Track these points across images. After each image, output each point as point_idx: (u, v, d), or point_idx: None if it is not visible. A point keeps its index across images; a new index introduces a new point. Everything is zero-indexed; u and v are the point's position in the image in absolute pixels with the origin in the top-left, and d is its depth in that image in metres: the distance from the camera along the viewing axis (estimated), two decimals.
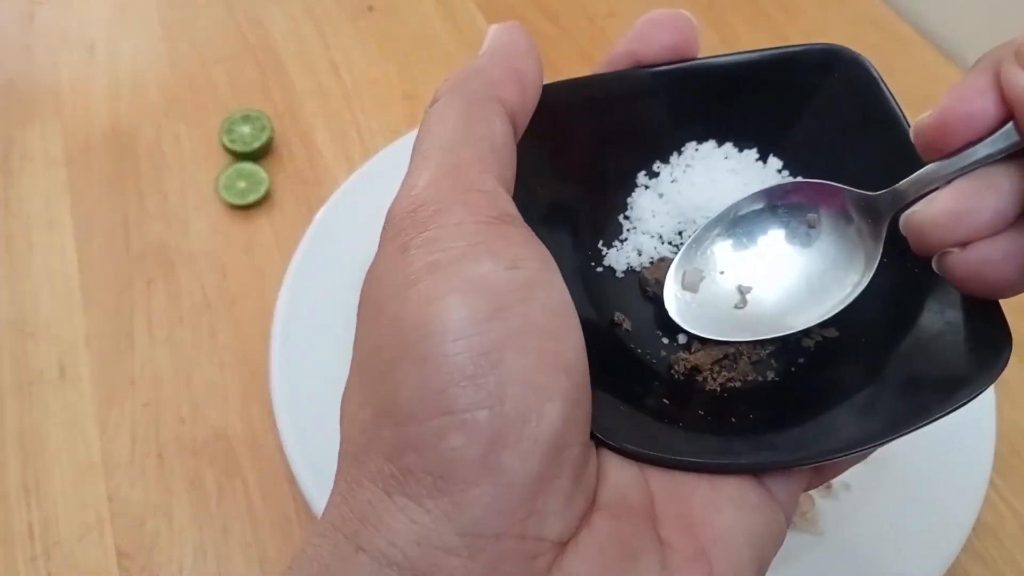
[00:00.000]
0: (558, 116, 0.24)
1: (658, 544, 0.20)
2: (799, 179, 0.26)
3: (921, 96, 0.58)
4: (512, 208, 0.21)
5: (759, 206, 0.25)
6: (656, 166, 0.27)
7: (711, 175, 0.27)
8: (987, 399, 0.42)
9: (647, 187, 0.27)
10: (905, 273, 0.23)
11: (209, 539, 0.43)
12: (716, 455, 0.22)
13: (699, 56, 0.26)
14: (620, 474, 0.21)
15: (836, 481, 0.41)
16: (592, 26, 0.66)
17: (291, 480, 0.43)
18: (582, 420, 0.19)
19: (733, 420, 0.24)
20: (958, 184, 0.20)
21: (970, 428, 0.41)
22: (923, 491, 0.40)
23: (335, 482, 0.20)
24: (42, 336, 0.50)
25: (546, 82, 0.24)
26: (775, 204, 0.25)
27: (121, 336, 0.50)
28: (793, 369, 0.25)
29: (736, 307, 0.25)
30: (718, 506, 0.20)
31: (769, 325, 0.24)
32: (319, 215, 0.50)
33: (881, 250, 0.23)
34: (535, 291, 0.19)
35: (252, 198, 0.54)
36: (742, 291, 0.25)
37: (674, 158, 0.27)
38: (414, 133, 0.61)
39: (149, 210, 0.55)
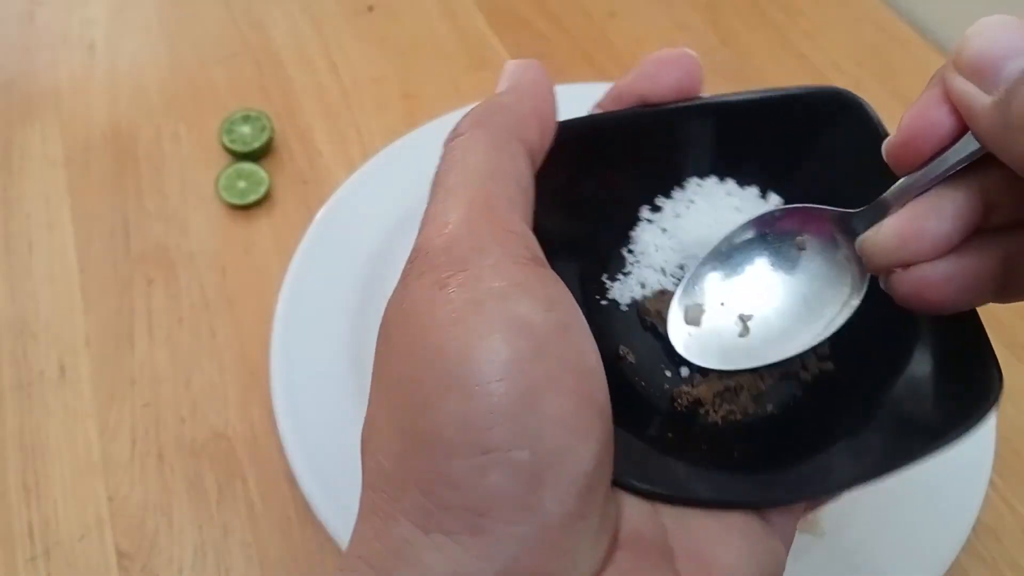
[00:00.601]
0: (563, 151, 0.25)
1: None
2: (783, 205, 0.27)
3: None
4: (539, 250, 0.21)
5: (750, 235, 0.26)
6: (659, 200, 0.28)
7: (713, 211, 0.27)
8: None
9: (650, 221, 0.28)
10: (897, 309, 0.24)
11: (209, 539, 0.43)
12: (721, 491, 0.23)
13: (702, 93, 0.26)
14: (634, 511, 0.21)
15: None
16: (592, 26, 0.66)
17: (291, 480, 0.43)
18: (610, 461, 0.20)
19: (735, 455, 0.25)
20: (906, 209, 0.21)
21: None
22: (923, 491, 0.40)
23: (361, 513, 0.20)
24: (42, 336, 0.50)
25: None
26: (764, 232, 0.26)
27: (121, 336, 0.50)
28: (791, 403, 0.26)
29: (740, 336, 0.25)
30: (727, 540, 0.21)
31: (773, 350, 0.25)
32: (319, 215, 0.50)
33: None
34: (569, 333, 0.19)
35: (252, 198, 0.54)
36: (743, 320, 0.26)
37: (677, 193, 0.28)
38: (414, 133, 0.61)
39: (149, 210, 0.55)
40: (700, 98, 0.26)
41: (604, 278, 0.28)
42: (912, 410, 0.24)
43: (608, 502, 0.20)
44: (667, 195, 0.28)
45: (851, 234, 0.24)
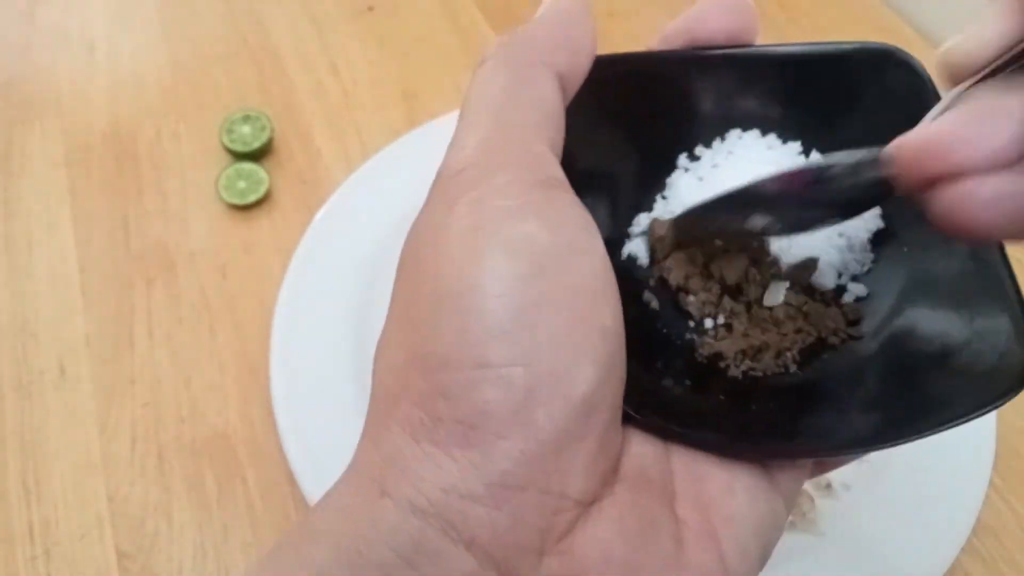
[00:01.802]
0: (606, 88, 0.24)
1: (674, 519, 0.20)
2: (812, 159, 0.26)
3: None
4: (559, 172, 0.21)
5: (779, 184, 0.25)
6: (698, 150, 0.27)
7: (753, 164, 0.26)
8: None
9: (687, 169, 0.27)
10: (934, 277, 0.23)
11: (209, 539, 0.43)
12: (731, 438, 0.22)
13: (755, 44, 0.26)
14: (644, 449, 0.21)
15: (836, 481, 0.41)
16: None
17: (291, 480, 0.43)
18: (614, 385, 0.20)
19: (753, 408, 0.24)
20: (957, 111, 0.18)
21: (970, 428, 0.41)
22: (923, 491, 0.40)
23: (364, 428, 0.20)
24: (42, 336, 0.50)
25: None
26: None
27: (121, 336, 0.50)
28: (815, 365, 0.25)
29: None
30: (732, 491, 0.21)
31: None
32: (319, 215, 0.50)
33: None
34: (576, 255, 0.19)
35: (252, 198, 0.54)
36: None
37: (717, 143, 0.27)
38: (414, 133, 0.61)
39: (149, 210, 0.55)
40: (748, 47, 0.25)
41: (634, 222, 0.27)
42: (933, 383, 0.23)
43: (611, 429, 0.20)
44: (707, 144, 0.27)
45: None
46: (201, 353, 0.49)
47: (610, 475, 0.20)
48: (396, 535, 0.17)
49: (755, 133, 0.27)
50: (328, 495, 0.19)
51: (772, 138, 0.27)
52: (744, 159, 0.26)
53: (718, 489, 0.21)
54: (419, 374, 0.18)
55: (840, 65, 0.26)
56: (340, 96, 0.61)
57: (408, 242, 0.20)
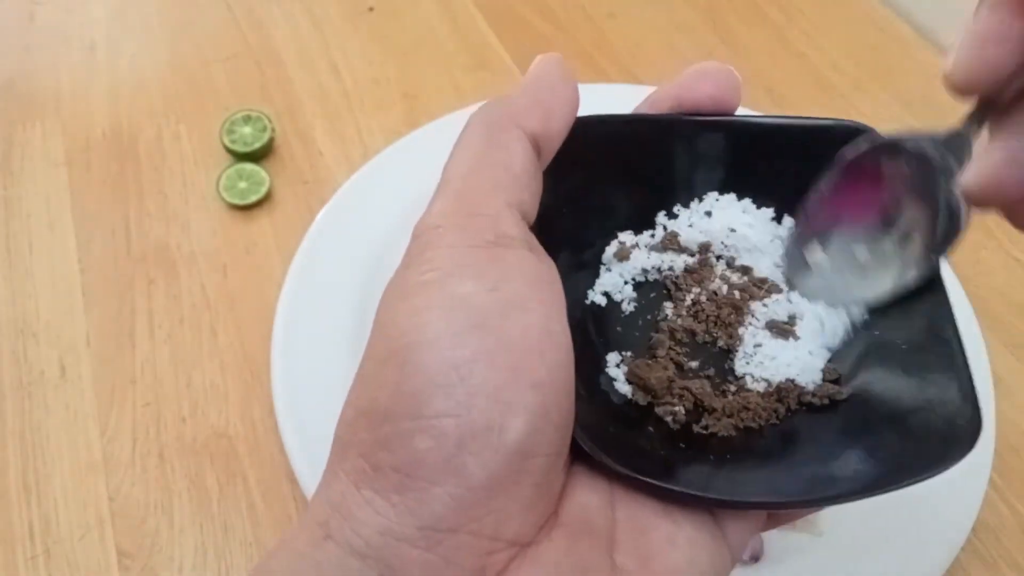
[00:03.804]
0: (590, 147, 0.26)
1: (612, 568, 0.21)
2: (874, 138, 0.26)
3: (921, 96, 0.58)
4: (514, 229, 0.22)
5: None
6: (676, 208, 0.29)
7: (728, 225, 0.28)
8: (987, 399, 0.42)
9: (665, 227, 0.29)
10: (891, 344, 0.24)
11: (210, 539, 0.43)
12: (688, 487, 0.23)
13: (737, 110, 0.27)
14: (588, 497, 0.22)
15: None
16: (592, 27, 0.66)
17: (292, 480, 0.43)
18: (550, 433, 0.20)
19: (711, 458, 0.25)
20: (1007, 135, 0.20)
21: None
22: (923, 491, 0.40)
23: (321, 477, 0.21)
24: (43, 336, 0.50)
25: (582, 114, 0.25)
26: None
27: (122, 336, 0.50)
28: (774, 420, 0.26)
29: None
30: (675, 542, 0.22)
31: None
32: (320, 215, 0.50)
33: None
34: (513, 311, 0.20)
35: (253, 198, 0.54)
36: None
37: (694, 204, 0.28)
38: (414, 133, 0.61)
39: (150, 210, 0.55)
40: (727, 115, 0.27)
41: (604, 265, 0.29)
42: (885, 445, 0.24)
43: (550, 475, 0.21)
44: (685, 204, 0.29)
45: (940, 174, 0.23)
46: (202, 353, 0.49)
47: (549, 519, 0.21)
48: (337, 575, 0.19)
49: (731, 197, 0.28)
50: (283, 537, 0.20)
51: (747, 202, 0.28)
52: (720, 219, 0.28)
53: (660, 540, 0.22)
54: (365, 426, 0.20)
55: (814, 139, 0.27)
56: (340, 96, 0.61)
57: (380, 300, 0.22)
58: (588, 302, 0.28)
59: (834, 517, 0.40)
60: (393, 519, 0.19)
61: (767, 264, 0.28)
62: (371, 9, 0.67)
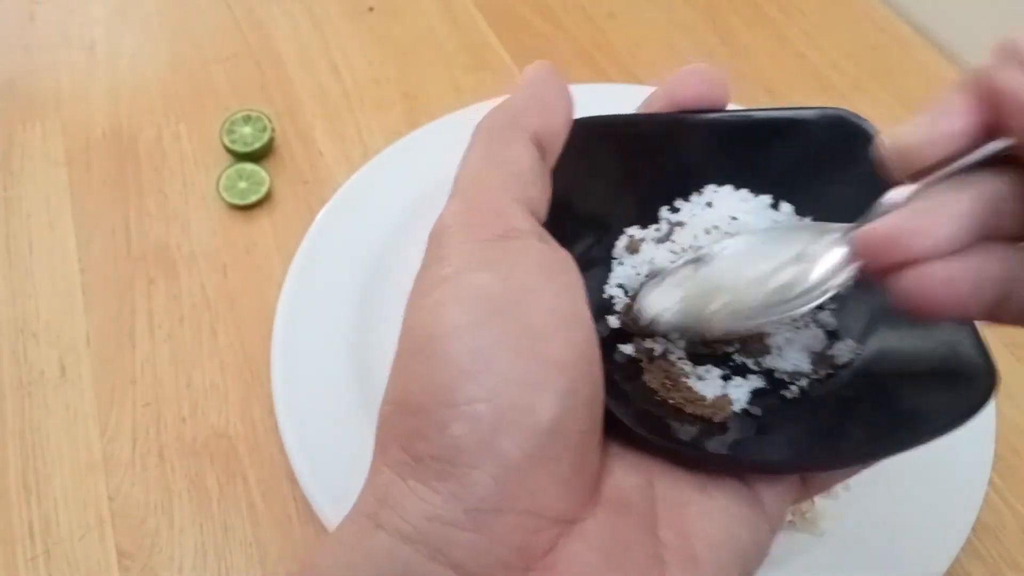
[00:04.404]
0: (593, 148, 0.27)
1: (656, 542, 0.22)
2: (792, 215, 0.28)
3: (921, 96, 0.58)
4: (524, 223, 0.23)
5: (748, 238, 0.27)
6: (677, 203, 0.30)
7: (728, 214, 0.29)
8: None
9: (669, 221, 0.30)
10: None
11: (210, 538, 0.43)
12: (708, 446, 0.24)
13: (727, 107, 0.29)
14: (627, 476, 0.23)
15: None
16: (592, 27, 0.66)
17: (292, 480, 0.43)
18: (580, 410, 0.21)
19: (740, 427, 0.26)
20: (912, 205, 0.21)
21: (970, 428, 0.41)
22: (923, 491, 0.40)
23: (366, 475, 0.22)
24: (43, 336, 0.50)
25: (583, 116, 0.26)
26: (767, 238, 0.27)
27: (122, 336, 0.50)
28: (790, 397, 0.27)
29: (710, 311, 0.27)
30: (713, 516, 0.22)
31: (734, 324, 0.26)
32: (320, 215, 0.50)
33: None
34: (528, 297, 0.21)
35: (253, 198, 0.54)
36: (709, 298, 0.27)
37: (695, 196, 0.29)
38: (414, 133, 0.61)
39: (150, 210, 0.55)
40: (718, 111, 0.28)
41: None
42: (907, 401, 0.25)
43: (584, 451, 0.22)
44: (685, 199, 0.30)
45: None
46: (202, 353, 0.49)
47: (590, 496, 0.22)
48: (389, 562, 0.20)
49: (729, 188, 0.29)
50: (331, 533, 0.21)
51: (745, 192, 0.29)
52: (720, 210, 0.29)
53: (699, 514, 0.22)
54: (401, 420, 0.21)
55: (801, 128, 0.29)
56: (340, 96, 0.61)
57: (407, 300, 0.23)
58: (606, 296, 0.29)
59: (834, 517, 0.40)
60: (439, 505, 0.20)
61: None
62: (371, 9, 0.67)
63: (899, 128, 0.21)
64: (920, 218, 0.21)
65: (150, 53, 0.65)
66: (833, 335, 0.28)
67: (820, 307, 0.27)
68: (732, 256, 0.27)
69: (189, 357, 0.49)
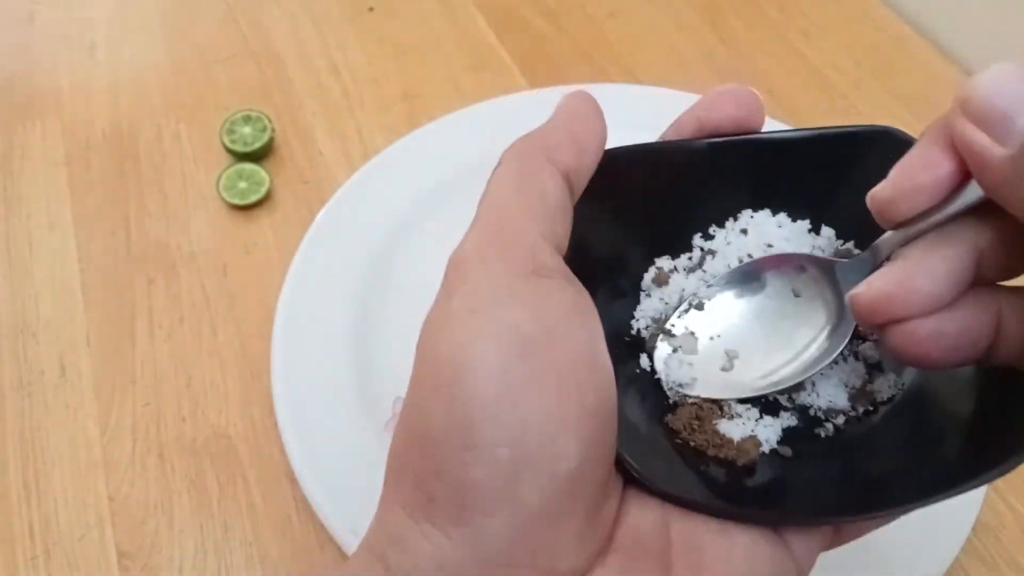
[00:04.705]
0: (621, 178, 0.26)
1: None
2: (777, 252, 0.27)
3: (921, 96, 0.58)
4: (551, 260, 0.22)
5: (747, 277, 0.27)
6: (712, 229, 0.29)
7: (764, 241, 0.28)
8: None
9: (702, 248, 0.29)
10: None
11: (210, 538, 0.43)
12: (740, 505, 0.23)
13: (762, 128, 0.27)
14: (642, 518, 0.22)
15: None
16: (592, 27, 0.66)
17: (292, 479, 0.43)
18: (601, 460, 0.21)
19: (766, 471, 0.25)
20: (895, 265, 0.21)
21: None
22: None
23: (377, 507, 0.21)
24: (42, 336, 0.50)
25: (609, 146, 0.25)
26: (761, 274, 0.27)
27: (122, 336, 0.50)
28: (824, 436, 0.26)
29: (723, 369, 0.26)
30: (730, 559, 0.21)
31: (751, 387, 0.26)
32: (320, 215, 0.50)
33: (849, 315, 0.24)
34: (558, 338, 0.20)
35: (253, 198, 0.54)
36: (729, 355, 0.26)
37: (729, 223, 0.28)
38: (414, 133, 0.61)
39: (150, 210, 0.55)
40: (754, 133, 0.27)
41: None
42: (949, 447, 0.24)
43: (602, 501, 0.21)
44: (720, 225, 0.29)
45: (842, 282, 0.25)
46: (202, 353, 0.49)
47: (603, 546, 0.21)
48: None
49: (766, 212, 0.28)
50: (340, 568, 0.21)
51: (782, 216, 0.28)
52: (756, 237, 0.28)
53: (717, 558, 0.21)
54: (418, 456, 0.20)
55: (843, 146, 0.27)
56: (340, 96, 0.61)
57: (421, 329, 0.22)
58: (634, 331, 0.28)
59: None
60: (451, 553, 0.19)
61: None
62: (371, 9, 0.67)
63: (880, 183, 0.21)
64: (905, 280, 0.21)
65: (150, 53, 0.65)
66: (875, 368, 0.26)
67: (862, 338, 0.27)
68: (740, 316, 0.26)
69: (189, 357, 0.49)
